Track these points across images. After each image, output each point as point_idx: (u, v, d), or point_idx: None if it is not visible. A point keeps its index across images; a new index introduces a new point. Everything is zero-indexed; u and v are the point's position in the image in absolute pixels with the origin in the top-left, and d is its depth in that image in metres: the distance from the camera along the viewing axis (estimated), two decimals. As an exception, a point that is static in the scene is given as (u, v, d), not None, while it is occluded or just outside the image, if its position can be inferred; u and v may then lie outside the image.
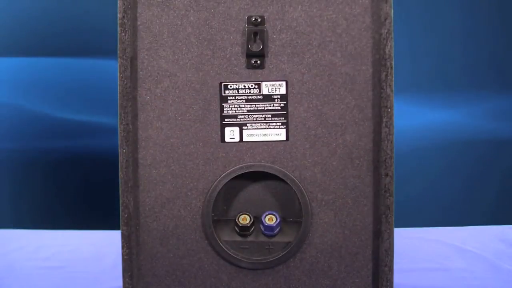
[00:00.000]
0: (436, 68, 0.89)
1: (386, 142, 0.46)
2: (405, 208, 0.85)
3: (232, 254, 0.47)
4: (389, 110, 0.46)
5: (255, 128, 0.47)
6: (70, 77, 0.87)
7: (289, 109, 0.47)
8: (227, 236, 0.48)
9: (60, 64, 0.87)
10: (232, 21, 0.46)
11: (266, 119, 0.47)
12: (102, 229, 0.80)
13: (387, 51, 0.45)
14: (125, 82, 0.46)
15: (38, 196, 0.91)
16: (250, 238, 0.48)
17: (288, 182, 0.47)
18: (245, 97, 0.47)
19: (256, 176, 0.48)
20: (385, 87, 0.46)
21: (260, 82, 0.47)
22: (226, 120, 0.47)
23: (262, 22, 0.46)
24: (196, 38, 0.46)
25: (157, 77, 0.46)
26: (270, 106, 0.47)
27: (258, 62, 0.46)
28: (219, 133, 0.47)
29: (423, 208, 0.91)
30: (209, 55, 0.46)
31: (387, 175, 0.46)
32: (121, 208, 0.47)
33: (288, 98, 0.47)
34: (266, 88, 0.47)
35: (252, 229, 0.48)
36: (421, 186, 0.91)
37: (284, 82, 0.46)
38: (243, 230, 0.48)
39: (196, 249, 0.47)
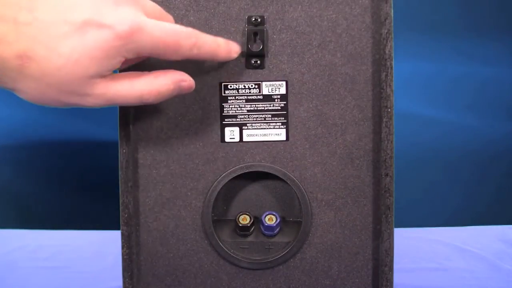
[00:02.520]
0: (439, 72, 0.89)
1: (386, 142, 0.46)
2: (405, 208, 0.85)
3: (232, 254, 0.47)
4: (389, 110, 0.46)
5: (255, 128, 0.47)
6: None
7: (289, 109, 0.47)
8: (227, 236, 0.48)
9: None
10: (232, 21, 0.46)
11: (266, 119, 0.47)
12: (102, 229, 0.81)
13: (387, 51, 0.45)
14: (125, 82, 0.46)
15: (38, 196, 0.91)
16: (250, 238, 0.48)
17: (288, 182, 0.47)
18: (245, 97, 0.47)
19: (256, 176, 0.48)
20: (385, 87, 0.46)
21: (260, 82, 0.47)
22: (226, 120, 0.47)
23: (262, 22, 0.46)
24: (196, 38, 0.46)
25: None
26: (270, 106, 0.47)
27: (258, 62, 0.46)
28: (219, 133, 0.47)
29: (423, 208, 0.91)
30: None
31: (387, 175, 0.46)
32: (121, 208, 0.47)
33: (288, 98, 0.47)
34: (266, 88, 0.47)
35: (252, 229, 0.48)
36: (421, 186, 0.91)
37: (284, 82, 0.46)
38: (243, 230, 0.48)
39: (196, 249, 0.47)
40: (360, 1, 0.46)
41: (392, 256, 0.47)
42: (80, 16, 0.35)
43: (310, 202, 0.47)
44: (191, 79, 0.41)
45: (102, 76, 0.36)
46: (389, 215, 0.46)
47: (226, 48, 0.42)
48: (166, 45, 0.38)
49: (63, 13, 0.34)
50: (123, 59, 0.37)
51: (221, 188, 0.47)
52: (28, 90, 0.35)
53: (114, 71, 0.38)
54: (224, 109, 0.47)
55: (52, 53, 0.34)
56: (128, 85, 0.38)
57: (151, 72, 0.40)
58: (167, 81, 0.40)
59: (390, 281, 0.47)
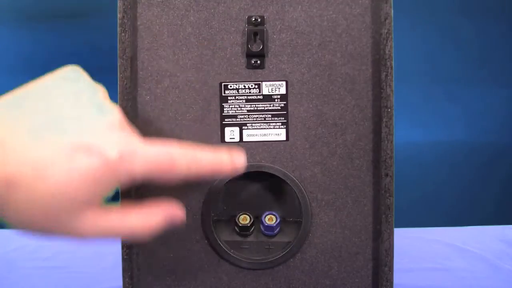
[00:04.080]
0: (438, 67, 0.89)
1: (386, 142, 0.46)
2: (405, 208, 0.85)
3: (232, 254, 0.47)
4: (389, 110, 0.46)
5: (255, 128, 0.47)
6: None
7: (289, 109, 0.47)
8: (227, 236, 0.48)
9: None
10: (232, 21, 0.46)
11: (266, 119, 0.47)
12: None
13: (387, 51, 0.45)
14: (125, 82, 0.46)
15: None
16: (250, 238, 0.48)
17: (288, 182, 0.47)
18: (245, 97, 0.47)
19: (256, 176, 0.48)
20: (385, 87, 0.46)
21: (260, 82, 0.47)
22: (226, 120, 0.47)
23: (262, 22, 0.46)
24: (196, 38, 0.46)
25: (157, 77, 0.46)
26: (270, 106, 0.47)
27: (258, 62, 0.46)
28: (219, 133, 0.47)
29: (423, 208, 0.91)
30: (209, 55, 0.46)
31: (387, 175, 0.46)
32: (121, 208, 0.46)
33: (288, 98, 0.47)
34: (266, 88, 0.47)
35: (252, 229, 0.48)
36: (421, 186, 0.91)
37: (284, 82, 0.46)
38: (243, 230, 0.48)
39: (196, 249, 0.47)
40: (360, 1, 0.46)
41: (392, 256, 0.47)
42: (69, 140, 0.32)
43: (310, 202, 0.47)
44: (182, 213, 0.39)
45: (92, 205, 0.34)
46: (389, 215, 0.46)
47: (229, 163, 0.39)
48: (160, 167, 0.35)
49: (52, 135, 0.32)
50: (113, 187, 0.34)
51: (221, 188, 0.47)
52: (14, 217, 0.32)
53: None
54: (224, 109, 0.47)
55: (39, 179, 0.31)
56: (119, 220, 0.36)
57: (143, 206, 0.37)
58: (159, 217, 0.37)
59: (390, 281, 0.47)
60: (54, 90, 0.35)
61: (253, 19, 0.46)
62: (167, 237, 0.47)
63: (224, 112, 0.47)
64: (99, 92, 0.36)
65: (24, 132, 0.32)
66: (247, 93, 0.47)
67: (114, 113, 0.35)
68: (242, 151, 0.40)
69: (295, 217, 0.48)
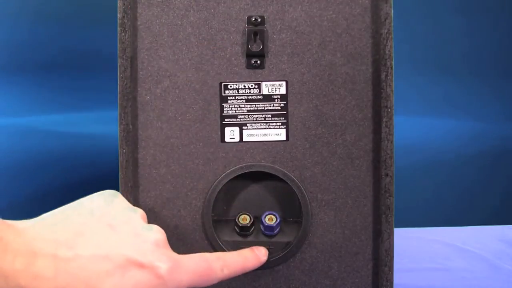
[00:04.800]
0: (438, 67, 0.89)
1: (386, 142, 0.46)
2: (405, 208, 0.85)
3: (232, 254, 0.47)
4: (389, 110, 0.46)
5: (255, 128, 0.47)
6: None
7: (289, 109, 0.47)
8: (227, 236, 0.48)
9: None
10: (232, 21, 0.46)
11: (266, 119, 0.47)
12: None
13: (387, 51, 0.45)
14: (125, 82, 0.46)
15: (38, 195, 0.91)
16: (250, 238, 0.48)
17: (288, 182, 0.47)
18: (245, 97, 0.47)
19: (256, 176, 0.48)
20: (385, 87, 0.46)
21: (260, 82, 0.47)
22: (226, 120, 0.47)
23: (262, 22, 0.46)
24: (196, 38, 0.46)
25: (157, 77, 0.46)
26: (270, 106, 0.47)
27: (258, 62, 0.46)
28: (219, 133, 0.47)
29: (423, 208, 0.91)
30: (209, 55, 0.46)
31: (387, 175, 0.46)
32: (121, 208, 0.46)
33: (288, 98, 0.47)
34: (266, 88, 0.47)
35: (252, 229, 0.48)
36: (421, 186, 0.91)
37: (284, 82, 0.46)
38: (243, 230, 0.48)
39: (196, 249, 0.47)
40: (360, 1, 0.46)
41: (392, 256, 0.47)
42: (122, 254, 0.34)
43: (310, 202, 0.47)
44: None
45: None
46: (389, 215, 0.46)
47: (254, 257, 0.44)
48: (201, 275, 0.38)
49: (105, 249, 0.34)
50: None
51: (221, 188, 0.47)
52: None
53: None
54: (224, 109, 0.47)
55: None
56: None
57: None
58: None
59: (390, 281, 0.47)
60: (100, 209, 0.37)
61: (253, 19, 0.46)
62: (167, 237, 0.47)
63: (224, 112, 0.47)
64: (139, 212, 0.39)
65: (75, 247, 0.34)
66: (247, 93, 0.47)
67: (158, 231, 0.38)
68: (264, 248, 0.45)
69: (295, 217, 0.48)
